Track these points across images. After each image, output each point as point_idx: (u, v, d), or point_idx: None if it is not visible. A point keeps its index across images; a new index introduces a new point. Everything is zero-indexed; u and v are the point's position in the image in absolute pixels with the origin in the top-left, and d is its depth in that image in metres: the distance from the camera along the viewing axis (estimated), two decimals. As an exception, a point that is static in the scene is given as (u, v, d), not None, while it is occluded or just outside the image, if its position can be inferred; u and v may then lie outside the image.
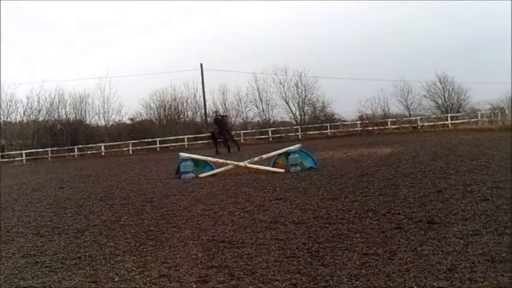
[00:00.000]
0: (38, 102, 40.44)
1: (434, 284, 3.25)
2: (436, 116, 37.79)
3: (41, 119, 41.04)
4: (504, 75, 57.65)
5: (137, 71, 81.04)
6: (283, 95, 42.04)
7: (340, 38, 70.98)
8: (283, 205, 6.76)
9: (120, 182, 12.35)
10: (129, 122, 43.44)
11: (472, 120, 32.82)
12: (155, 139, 36.07)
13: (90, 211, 7.72)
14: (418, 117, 36.72)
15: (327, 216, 5.76)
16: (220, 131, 22.50)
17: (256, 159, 12.08)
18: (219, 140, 22.67)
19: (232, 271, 3.91)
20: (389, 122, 35.31)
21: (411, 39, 64.62)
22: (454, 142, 16.66)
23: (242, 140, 32.37)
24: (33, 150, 36.09)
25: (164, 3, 77.14)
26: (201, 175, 11.50)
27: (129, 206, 7.89)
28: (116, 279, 3.95)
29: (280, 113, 42.68)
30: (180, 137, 36.26)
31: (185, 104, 42.85)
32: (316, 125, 37.93)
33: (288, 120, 42.36)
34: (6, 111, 40.01)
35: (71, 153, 35.89)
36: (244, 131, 37.30)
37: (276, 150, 12.40)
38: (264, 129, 37.14)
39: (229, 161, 12.34)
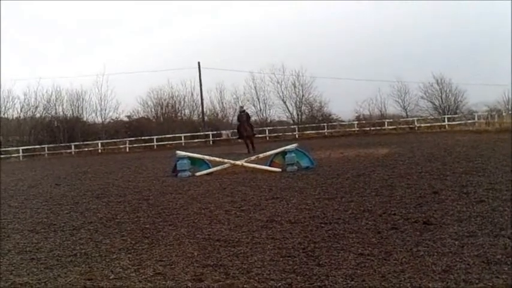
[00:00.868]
0: (35, 98, 40.44)
1: (429, 285, 3.26)
2: (433, 117, 37.95)
3: (38, 115, 41.00)
4: (502, 77, 57.93)
5: (136, 69, 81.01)
6: (281, 94, 42.19)
7: (340, 38, 71.12)
8: (280, 204, 6.76)
9: (117, 179, 12.32)
10: (126, 119, 43.32)
11: (469, 121, 32.97)
12: (152, 137, 36.02)
13: (86, 208, 7.70)
14: (415, 118, 36.84)
15: (323, 216, 5.77)
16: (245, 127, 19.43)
17: (253, 158, 12.10)
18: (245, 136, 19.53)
19: (227, 270, 3.91)
20: (386, 123, 35.38)
21: (411, 39, 64.79)
22: (451, 143, 16.72)
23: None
24: (30, 147, 35.96)
25: (164, 3, 77.18)
26: (198, 173, 11.50)
27: (125, 204, 7.88)
28: (111, 277, 3.94)
29: (278, 113, 42.81)
30: (177, 135, 36.31)
31: (182, 102, 42.90)
32: (313, 125, 38.01)
33: (285, 119, 42.44)
34: (4, 108, 39.99)
35: (68, 150, 35.73)
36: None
37: (273, 149, 12.42)
38: (261, 128, 37.15)
39: (225, 160, 12.34)
